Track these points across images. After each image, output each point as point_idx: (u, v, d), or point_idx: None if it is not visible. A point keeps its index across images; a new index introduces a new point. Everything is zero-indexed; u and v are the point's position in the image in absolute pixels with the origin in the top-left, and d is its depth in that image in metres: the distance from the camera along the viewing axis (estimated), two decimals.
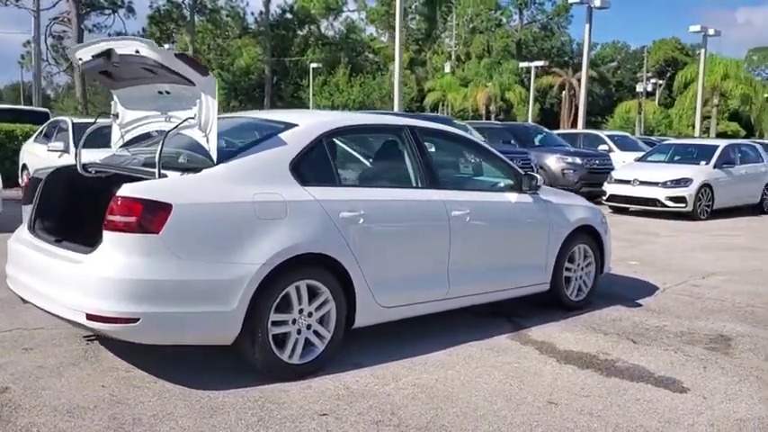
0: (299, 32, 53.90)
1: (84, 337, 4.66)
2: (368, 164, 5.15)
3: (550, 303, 5.78)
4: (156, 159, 3.82)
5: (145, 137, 4.80)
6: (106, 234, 3.65)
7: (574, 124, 44.43)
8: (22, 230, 4.51)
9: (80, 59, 4.34)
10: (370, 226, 4.34)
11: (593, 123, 45.18)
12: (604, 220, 6.24)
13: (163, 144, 3.86)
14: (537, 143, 17.39)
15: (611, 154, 17.77)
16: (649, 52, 62.58)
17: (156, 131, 4.68)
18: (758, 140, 21.27)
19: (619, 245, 8.02)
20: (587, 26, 26.72)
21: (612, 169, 15.57)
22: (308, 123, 4.49)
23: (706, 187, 13.74)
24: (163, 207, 3.62)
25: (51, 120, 13.43)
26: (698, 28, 30.53)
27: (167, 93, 4.27)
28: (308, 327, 4.12)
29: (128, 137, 4.79)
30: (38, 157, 11.33)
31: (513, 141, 16.35)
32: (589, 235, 5.97)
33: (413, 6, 56.98)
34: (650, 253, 9.17)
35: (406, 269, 4.62)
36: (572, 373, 4.35)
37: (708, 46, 32.29)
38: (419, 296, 4.71)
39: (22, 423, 3.38)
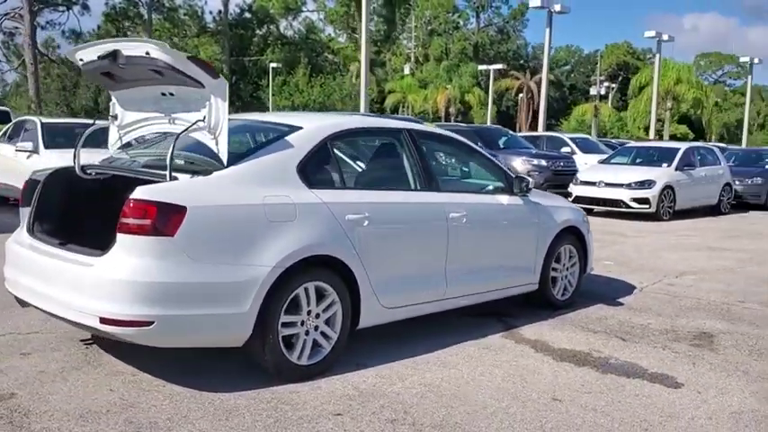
0: (257, 32, 53.55)
1: (82, 340, 4.60)
2: (369, 166, 5.20)
3: (537, 303, 5.93)
4: (168, 162, 3.79)
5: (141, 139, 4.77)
6: (119, 236, 3.62)
7: (532, 127, 45.14)
8: (21, 233, 4.43)
9: (81, 60, 4.29)
10: (374, 228, 4.39)
11: (548, 126, 45.88)
12: (587, 221, 6.42)
13: (174, 146, 3.83)
14: (502, 145, 17.62)
15: (573, 156, 18.15)
16: (602, 56, 63.86)
17: (156, 134, 4.66)
18: (714, 143, 21.95)
19: None
20: (548, 30, 27.14)
21: (576, 171, 15.92)
22: (312, 126, 4.51)
23: (668, 189, 14.14)
24: (178, 210, 3.61)
25: (17, 119, 13.06)
26: (653, 33, 31.37)
27: (171, 95, 4.25)
28: (316, 328, 4.16)
29: (126, 138, 4.75)
30: (4, 157, 11.04)
31: (479, 144, 16.53)
32: (574, 236, 6.14)
33: (372, 8, 57.02)
34: (621, 253, 9.42)
35: (407, 270, 4.68)
36: (570, 371, 4.48)
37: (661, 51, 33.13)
38: (419, 297, 4.79)
39: (36, 428, 3.33)
